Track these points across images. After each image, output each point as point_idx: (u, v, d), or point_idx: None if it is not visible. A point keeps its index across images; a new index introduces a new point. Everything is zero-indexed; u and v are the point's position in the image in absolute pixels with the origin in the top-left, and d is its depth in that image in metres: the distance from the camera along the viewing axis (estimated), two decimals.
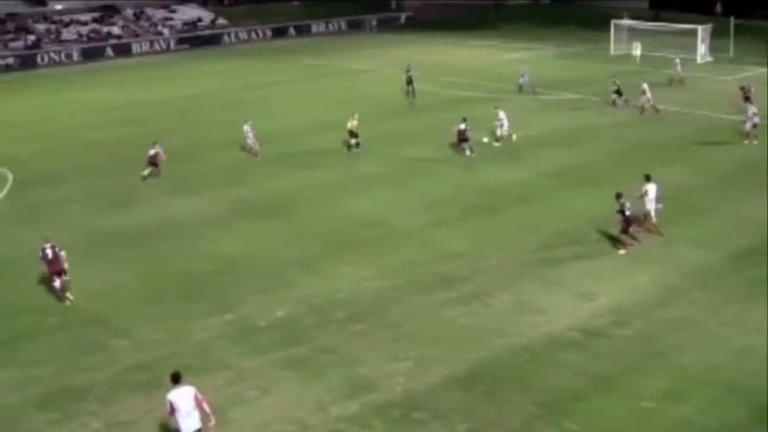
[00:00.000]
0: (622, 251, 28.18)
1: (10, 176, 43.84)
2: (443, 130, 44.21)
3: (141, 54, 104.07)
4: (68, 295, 26.89)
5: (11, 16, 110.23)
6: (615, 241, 28.68)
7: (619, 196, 28.05)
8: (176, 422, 17.33)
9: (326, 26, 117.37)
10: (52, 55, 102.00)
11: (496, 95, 55.11)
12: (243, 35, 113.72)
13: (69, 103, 66.68)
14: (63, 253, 27.02)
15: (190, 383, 17.72)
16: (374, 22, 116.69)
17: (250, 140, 44.78)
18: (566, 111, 51.62)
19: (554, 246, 29.09)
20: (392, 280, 27.05)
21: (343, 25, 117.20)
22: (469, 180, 37.99)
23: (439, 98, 57.79)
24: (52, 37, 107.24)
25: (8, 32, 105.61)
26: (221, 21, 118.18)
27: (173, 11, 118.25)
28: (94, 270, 29.59)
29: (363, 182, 38.57)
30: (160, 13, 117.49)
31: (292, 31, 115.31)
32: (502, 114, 44.09)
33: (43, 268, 27.43)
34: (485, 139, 42.36)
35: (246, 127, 44.79)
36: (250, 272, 28.49)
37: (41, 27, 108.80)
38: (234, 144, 46.14)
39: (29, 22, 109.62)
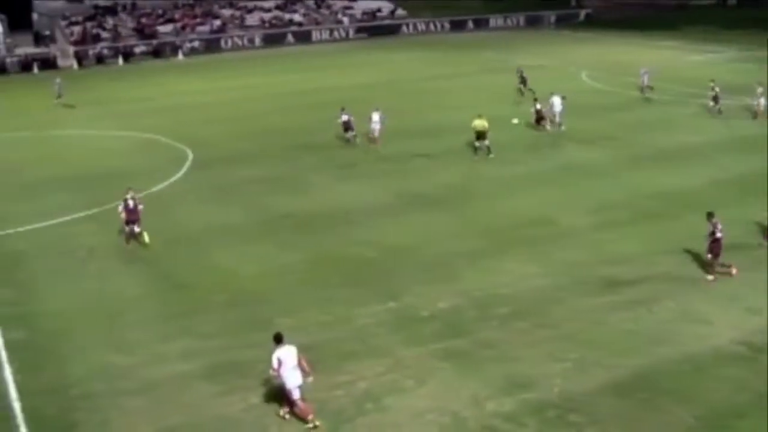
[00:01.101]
0: (710, 277, 26.56)
1: (190, 155, 45.76)
2: (619, 131, 43.55)
3: (320, 41, 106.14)
4: (144, 238, 31.20)
5: (199, 1, 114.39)
6: None
7: (710, 215, 26.48)
8: (281, 377, 19.01)
9: (504, 21, 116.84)
10: (235, 39, 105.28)
11: (675, 97, 53.84)
12: (421, 26, 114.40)
13: (250, 87, 68.99)
14: (141, 207, 31.38)
15: (292, 344, 19.24)
16: (553, 19, 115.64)
17: (376, 127, 45.70)
18: (745, 118, 49.79)
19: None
20: (556, 279, 26.82)
21: (522, 20, 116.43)
22: (641, 183, 37.08)
23: (618, 99, 56.88)
24: (237, 22, 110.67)
25: (196, 17, 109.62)
26: (400, 12, 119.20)
27: (354, 0, 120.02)
28: (266, 250, 30.75)
29: (534, 179, 38.33)
30: (340, 2, 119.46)
31: (470, 24, 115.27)
32: (556, 99, 46.37)
33: (123, 216, 31.16)
34: (515, 120, 45.06)
35: (375, 116, 45.87)
36: (415, 262, 28.82)
37: (227, 12, 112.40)
38: (403, 134, 46.72)
39: (215, 7, 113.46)
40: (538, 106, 47.38)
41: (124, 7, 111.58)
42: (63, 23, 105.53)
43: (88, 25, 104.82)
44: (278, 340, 19.16)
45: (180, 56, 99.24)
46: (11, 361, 22.88)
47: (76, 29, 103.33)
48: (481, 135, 42.10)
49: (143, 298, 26.82)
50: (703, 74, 57.81)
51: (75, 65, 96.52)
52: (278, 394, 19.79)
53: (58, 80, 67.54)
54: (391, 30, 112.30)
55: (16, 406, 20.61)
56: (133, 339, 23.82)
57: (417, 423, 19.20)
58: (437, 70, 74.32)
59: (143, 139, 51.44)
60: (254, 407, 20.04)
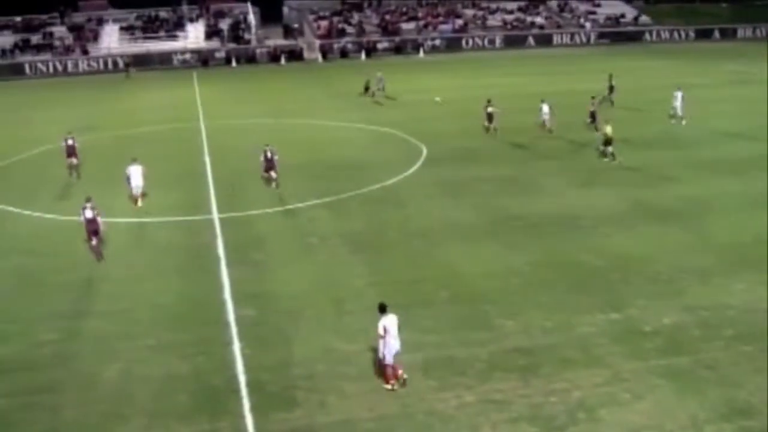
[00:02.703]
0: None
1: (425, 151, 46.58)
2: None
3: (561, 45, 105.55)
4: (101, 256, 30.62)
5: (443, 0, 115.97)
6: None
7: None
8: (384, 344, 20.49)
9: (753, 31, 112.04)
10: (476, 39, 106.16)
11: None
12: (665, 34, 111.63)
13: (489, 87, 69.20)
14: (99, 218, 30.60)
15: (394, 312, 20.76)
16: None
17: (545, 117, 49.65)
18: None
19: None
20: None
21: None
22: None
23: None
24: (478, 22, 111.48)
25: (438, 15, 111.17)
26: (644, 18, 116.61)
27: (597, 5, 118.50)
28: (493, 250, 30.91)
29: None
30: (584, 6, 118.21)
31: (716, 33, 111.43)
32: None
33: (83, 227, 30.84)
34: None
35: (545, 107, 49.50)
36: (643, 274, 28.12)
37: (469, 12, 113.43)
38: (642, 142, 45.83)
39: (459, 7, 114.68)
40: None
41: (370, 4, 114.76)
42: (311, 17, 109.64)
43: (335, 20, 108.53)
44: (383, 309, 20.69)
45: (421, 54, 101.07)
46: (241, 337, 24.06)
47: (323, 23, 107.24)
48: (608, 141, 43.33)
49: (368, 288, 27.51)
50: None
51: (320, 58, 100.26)
52: (489, 394, 19.91)
53: (379, 75, 69.99)
54: (634, 37, 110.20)
55: (242, 379, 21.66)
56: (356, 326, 24.49)
57: None
58: (678, 79, 72.07)
59: (381, 133, 52.85)
60: (467, 405, 20.15)
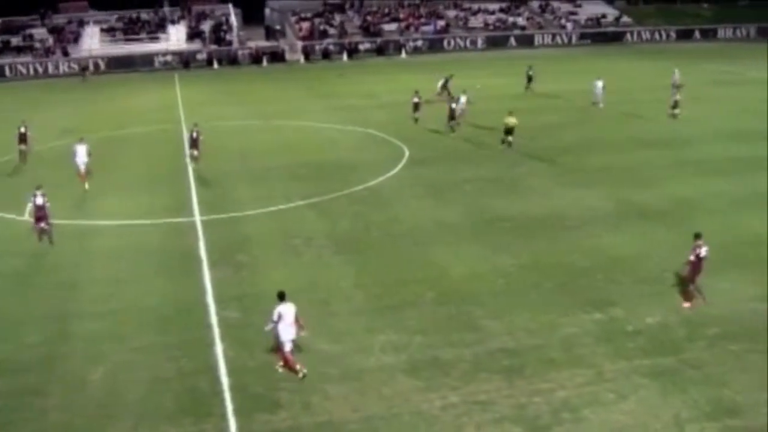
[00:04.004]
0: (686, 305, 25.44)
1: (407, 152, 46.64)
2: None
3: (542, 46, 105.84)
4: (52, 236, 32.37)
5: (426, 0, 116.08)
6: None
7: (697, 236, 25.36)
8: (278, 330, 21.51)
9: (734, 32, 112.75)
10: (458, 40, 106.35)
11: None
12: (646, 35, 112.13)
13: (471, 88, 69.25)
14: (48, 205, 32.11)
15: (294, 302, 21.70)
16: None
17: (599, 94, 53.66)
18: None
19: None
20: None
21: (752, 31, 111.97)
22: None
23: None
24: (460, 23, 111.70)
25: (420, 16, 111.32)
26: (625, 19, 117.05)
27: (578, 6, 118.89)
28: (479, 251, 30.97)
29: (763, 198, 35.98)
30: (565, 7, 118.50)
31: (697, 34, 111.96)
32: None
33: (31, 213, 32.55)
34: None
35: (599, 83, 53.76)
36: (628, 274, 28.24)
37: (451, 13, 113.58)
38: (627, 143, 46.05)
39: (441, 8, 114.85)
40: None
41: (352, 5, 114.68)
42: (293, 19, 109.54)
43: (317, 21, 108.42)
44: (281, 297, 21.66)
45: (403, 54, 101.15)
46: (224, 339, 24.05)
47: (305, 25, 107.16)
48: (509, 131, 47.16)
49: (354, 289, 27.58)
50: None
51: (302, 59, 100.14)
52: (474, 395, 19.99)
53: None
54: (615, 37, 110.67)
55: (225, 381, 21.65)
56: (341, 328, 24.55)
57: None
58: (660, 80, 72.43)
59: (364, 134, 52.86)
60: (452, 406, 20.19)
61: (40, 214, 32.12)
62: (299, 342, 22.13)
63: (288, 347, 21.65)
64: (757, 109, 55.64)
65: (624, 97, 63.76)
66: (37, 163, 45.84)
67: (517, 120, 47.13)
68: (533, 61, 76.44)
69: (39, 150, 48.23)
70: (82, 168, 41.26)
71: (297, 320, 21.64)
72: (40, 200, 32.08)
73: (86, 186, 40.53)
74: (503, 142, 47.43)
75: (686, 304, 25.58)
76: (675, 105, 54.80)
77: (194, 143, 44.44)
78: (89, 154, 41.35)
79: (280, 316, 21.41)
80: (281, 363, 21.93)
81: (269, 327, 21.75)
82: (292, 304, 21.60)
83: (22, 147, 46.90)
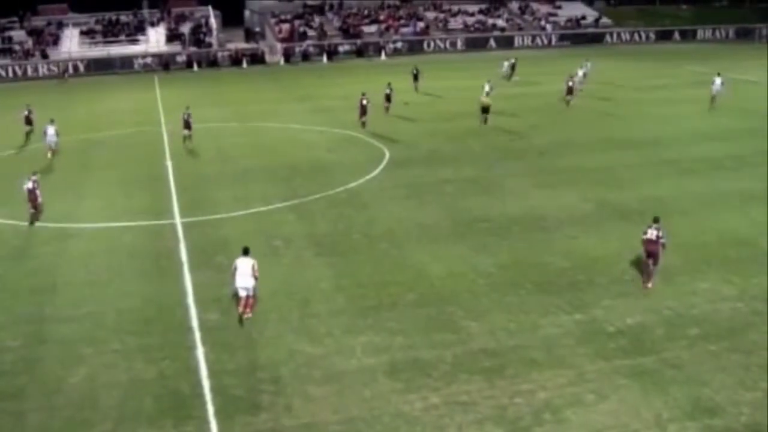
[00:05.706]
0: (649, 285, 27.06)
1: (387, 154, 46.62)
2: None
3: (522, 47, 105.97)
4: (37, 220, 35.23)
5: (405, 2, 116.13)
6: None
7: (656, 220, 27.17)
8: (234, 280, 24.85)
9: (713, 33, 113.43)
10: (438, 42, 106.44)
11: None
12: (626, 36, 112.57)
13: (450, 89, 69.56)
14: (39, 191, 35.19)
15: (253, 257, 24.93)
16: (765, 32, 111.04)
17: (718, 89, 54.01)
18: None
19: None
20: (754, 304, 25.66)
21: (731, 32, 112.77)
22: None
23: None
24: (440, 25, 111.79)
25: (400, 18, 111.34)
26: (605, 20, 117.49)
27: (558, 7, 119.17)
28: (458, 251, 30.98)
29: (741, 197, 36.67)
30: (545, 8, 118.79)
31: (676, 35, 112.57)
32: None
33: (26, 196, 35.09)
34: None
35: (718, 80, 54.21)
36: (607, 274, 28.34)
37: (431, 15, 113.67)
38: (605, 143, 46.19)
39: (420, 9, 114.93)
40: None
41: (332, 7, 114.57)
42: (272, 21, 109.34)
43: (296, 23, 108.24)
44: (245, 252, 25.01)
45: (383, 56, 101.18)
46: (205, 341, 23.94)
47: (285, 27, 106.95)
48: (485, 109, 53.52)
49: (334, 290, 27.51)
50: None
51: (281, 61, 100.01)
52: (455, 396, 20.02)
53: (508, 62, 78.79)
54: (595, 38, 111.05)
55: (206, 384, 21.56)
56: (321, 329, 24.49)
57: None
58: (640, 81, 72.84)
59: (343, 135, 52.78)
60: (433, 407, 20.20)
61: (31, 197, 35.07)
62: (284, 341, 22.02)
63: (242, 293, 24.79)
64: (735, 108, 55.93)
65: (602, 97, 64.02)
66: (14, 165, 45.61)
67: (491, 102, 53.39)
68: (519, 64, 77.53)
69: (16, 153, 48.01)
70: (53, 146, 48.05)
71: (253, 273, 24.60)
72: (30, 185, 35.07)
73: (49, 155, 47.47)
74: (483, 120, 53.06)
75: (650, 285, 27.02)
76: (570, 91, 60.41)
77: (187, 124, 50.41)
78: (58, 134, 48.17)
79: (235, 268, 24.71)
80: (240, 309, 24.97)
81: (232, 279, 25.00)
82: (250, 258, 24.80)
83: (27, 128, 53.29)
